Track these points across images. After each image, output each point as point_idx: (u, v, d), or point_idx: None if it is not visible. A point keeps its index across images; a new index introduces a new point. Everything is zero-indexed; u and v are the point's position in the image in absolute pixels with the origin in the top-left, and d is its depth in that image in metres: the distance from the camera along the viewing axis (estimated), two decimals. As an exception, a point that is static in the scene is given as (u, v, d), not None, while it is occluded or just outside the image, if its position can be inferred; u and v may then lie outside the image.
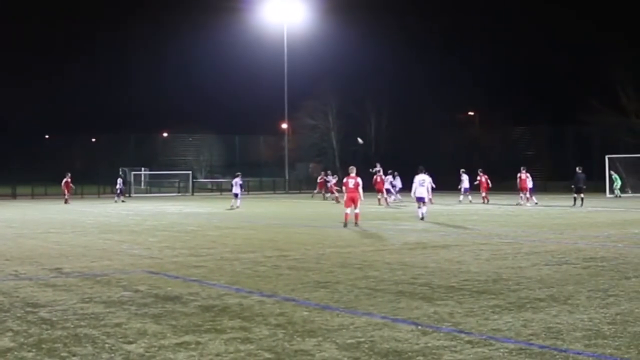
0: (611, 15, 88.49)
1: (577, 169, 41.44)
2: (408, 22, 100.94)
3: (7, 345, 8.68)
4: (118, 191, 56.75)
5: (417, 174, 30.28)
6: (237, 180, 43.61)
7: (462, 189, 47.11)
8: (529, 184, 43.47)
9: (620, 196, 53.09)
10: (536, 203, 42.12)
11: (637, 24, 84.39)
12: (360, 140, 45.60)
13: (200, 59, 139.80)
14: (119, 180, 58.63)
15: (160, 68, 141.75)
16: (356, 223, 26.76)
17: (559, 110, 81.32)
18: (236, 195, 42.87)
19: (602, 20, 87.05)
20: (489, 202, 44.18)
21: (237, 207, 41.51)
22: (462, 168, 48.46)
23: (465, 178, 47.28)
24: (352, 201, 27.30)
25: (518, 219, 30.53)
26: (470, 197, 46.35)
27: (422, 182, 29.84)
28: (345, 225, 26.71)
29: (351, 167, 28.72)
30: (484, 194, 45.63)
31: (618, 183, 54.66)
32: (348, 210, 27.26)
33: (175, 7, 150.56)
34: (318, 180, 58.32)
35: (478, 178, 46.18)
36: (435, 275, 13.84)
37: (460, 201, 45.59)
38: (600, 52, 76.06)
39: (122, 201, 54.70)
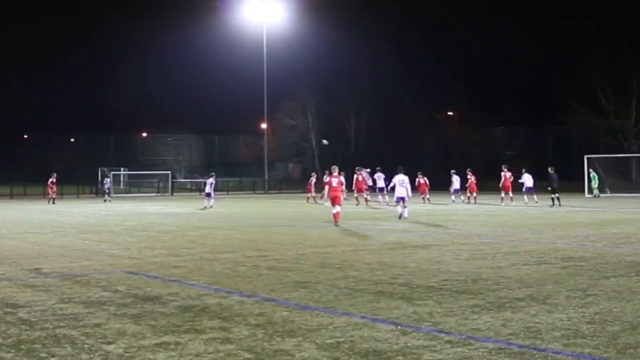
0: (591, 16, 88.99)
1: (550, 169, 41.59)
2: (387, 22, 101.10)
3: (-15, 346, 8.62)
4: (107, 190, 56.74)
5: (397, 174, 30.35)
6: (211, 180, 43.65)
7: (452, 190, 47.10)
8: (529, 182, 43.61)
9: (599, 196, 53.38)
10: (514, 205, 42.16)
11: (616, 25, 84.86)
12: (324, 142, 45.67)
13: (179, 59, 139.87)
14: (107, 180, 58.69)
15: (139, 68, 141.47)
16: (336, 222, 26.82)
17: (538, 111, 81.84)
18: (208, 194, 42.89)
19: (582, 22, 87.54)
20: (475, 202, 44.31)
21: (211, 206, 41.46)
22: (453, 169, 48.27)
23: (455, 179, 47.17)
24: (336, 200, 27.39)
25: (498, 218, 30.63)
26: (462, 197, 46.43)
27: (402, 182, 29.90)
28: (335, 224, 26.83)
29: (333, 166, 28.95)
30: (469, 194, 45.77)
31: (596, 182, 54.92)
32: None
33: (154, 7, 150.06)
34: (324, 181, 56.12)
35: (468, 178, 46.24)
36: (414, 275, 13.86)
37: (453, 201, 45.71)
38: (579, 53, 76.59)
39: (104, 200, 54.40)
